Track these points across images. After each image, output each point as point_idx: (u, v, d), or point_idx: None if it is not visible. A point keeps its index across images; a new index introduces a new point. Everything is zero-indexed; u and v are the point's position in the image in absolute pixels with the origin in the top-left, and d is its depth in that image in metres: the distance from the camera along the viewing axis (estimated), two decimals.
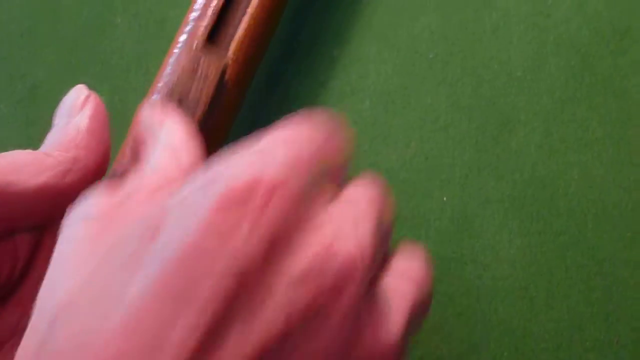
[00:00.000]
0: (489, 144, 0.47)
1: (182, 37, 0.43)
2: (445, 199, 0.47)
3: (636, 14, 0.48)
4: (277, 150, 0.32)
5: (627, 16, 0.48)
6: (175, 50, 0.43)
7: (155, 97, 0.42)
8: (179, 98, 0.40)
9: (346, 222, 0.31)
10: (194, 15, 0.43)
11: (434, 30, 0.50)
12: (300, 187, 0.31)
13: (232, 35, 0.43)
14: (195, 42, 0.42)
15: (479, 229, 0.46)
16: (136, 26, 0.53)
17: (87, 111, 0.37)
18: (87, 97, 0.38)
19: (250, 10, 0.43)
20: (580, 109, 0.47)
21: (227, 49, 0.42)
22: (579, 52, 0.48)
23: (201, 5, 0.43)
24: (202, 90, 0.40)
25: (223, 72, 0.41)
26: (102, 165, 0.37)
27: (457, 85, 0.49)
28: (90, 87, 0.38)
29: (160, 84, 0.42)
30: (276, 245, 0.30)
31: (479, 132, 0.48)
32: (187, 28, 0.43)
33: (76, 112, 0.37)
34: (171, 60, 0.43)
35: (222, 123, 0.42)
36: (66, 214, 0.33)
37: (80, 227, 0.32)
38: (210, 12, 0.43)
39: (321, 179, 0.32)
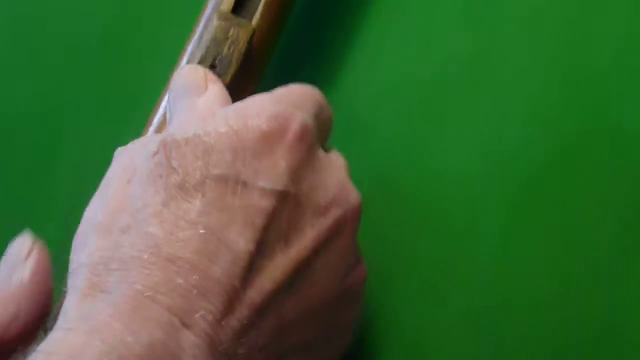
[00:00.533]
0: None
1: (209, 10, 0.48)
2: None
3: None
4: (306, 102, 0.42)
5: None
6: (203, 21, 0.48)
7: (186, 60, 0.47)
8: (212, 60, 0.45)
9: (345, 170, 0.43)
10: None
11: None
12: (315, 132, 0.41)
13: (256, 8, 0.48)
14: (223, 11, 0.46)
15: None
16: None
17: (30, 263, 0.40)
18: (31, 248, 0.40)
19: None
20: None
21: (251, 19, 0.47)
22: None
23: None
24: (234, 53, 0.45)
25: (251, 37, 0.45)
26: (42, 316, 0.40)
27: None
28: None
29: (190, 49, 0.48)
30: (303, 172, 0.39)
31: None
32: (212, 2, 0.48)
33: (20, 263, 0.40)
34: (200, 29, 0.48)
35: (251, 83, 0.47)
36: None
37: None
38: None
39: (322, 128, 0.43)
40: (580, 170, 0.51)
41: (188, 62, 0.46)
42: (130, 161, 0.39)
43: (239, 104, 0.41)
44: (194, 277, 0.35)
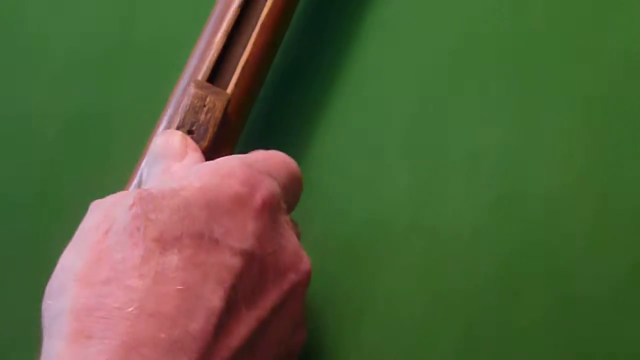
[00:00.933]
0: None
1: (185, 79, 0.51)
2: None
3: None
4: (278, 170, 0.45)
5: None
6: (180, 89, 0.50)
7: (164, 126, 0.49)
8: (190, 126, 0.47)
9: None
10: (194, 62, 0.51)
11: None
12: (280, 200, 0.44)
13: (231, 76, 0.50)
14: (199, 80, 0.49)
15: None
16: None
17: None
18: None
19: (243, 58, 0.50)
20: None
21: (226, 88, 0.49)
22: None
23: (199, 54, 0.51)
24: (210, 120, 0.47)
25: (227, 105, 0.48)
26: None
27: None
28: None
29: (167, 116, 0.50)
30: (267, 236, 0.41)
31: None
32: (189, 72, 0.51)
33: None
34: (177, 96, 0.50)
35: (227, 148, 0.49)
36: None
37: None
38: (207, 61, 0.50)
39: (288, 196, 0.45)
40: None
41: (166, 128, 0.48)
42: (107, 213, 0.40)
43: (213, 162, 0.43)
44: (176, 332, 0.37)
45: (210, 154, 0.47)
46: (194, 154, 0.45)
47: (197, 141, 0.46)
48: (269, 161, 0.45)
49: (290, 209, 0.46)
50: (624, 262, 0.54)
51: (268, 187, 0.42)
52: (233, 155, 0.44)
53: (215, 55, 0.50)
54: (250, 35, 0.50)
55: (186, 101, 0.47)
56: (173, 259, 0.38)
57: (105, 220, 0.40)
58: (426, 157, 0.56)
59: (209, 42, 0.50)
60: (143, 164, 0.48)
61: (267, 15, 0.51)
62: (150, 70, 0.58)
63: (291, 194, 0.46)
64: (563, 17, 0.58)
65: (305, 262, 0.45)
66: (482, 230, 0.55)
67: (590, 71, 0.57)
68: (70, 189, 0.56)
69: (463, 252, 0.55)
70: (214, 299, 0.38)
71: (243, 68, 0.50)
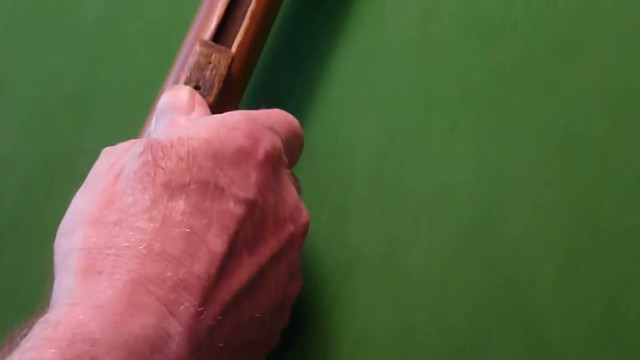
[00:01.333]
0: None
1: (191, 38, 0.53)
2: None
3: None
4: (280, 126, 0.47)
5: None
6: (186, 48, 0.53)
7: (171, 83, 0.51)
8: (196, 82, 0.49)
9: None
10: (199, 21, 0.53)
11: None
12: (282, 154, 0.46)
13: (234, 36, 0.52)
14: (205, 40, 0.51)
15: None
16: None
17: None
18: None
19: (247, 17, 0.53)
20: None
21: (230, 47, 0.52)
22: None
23: (204, 14, 0.53)
24: (216, 76, 0.49)
25: (231, 62, 0.50)
26: None
27: None
28: None
29: (174, 73, 0.52)
30: (269, 186, 0.44)
31: None
32: (195, 31, 0.53)
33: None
34: (183, 55, 0.52)
35: (231, 104, 0.51)
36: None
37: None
38: (215, 18, 0.52)
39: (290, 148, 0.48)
40: None
41: (173, 84, 0.51)
42: (117, 159, 0.43)
43: (220, 116, 0.45)
44: (181, 272, 0.39)
45: (215, 109, 0.49)
46: (201, 108, 0.48)
47: (203, 96, 0.49)
48: (272, 117, 0.47)
49: (291, 164, 0.49)
50: (596, 301, 0.53)
51: (271, 140, 0.45)
52: (238, 111, 0.46)
53: (220, 15, 0.52)
54: None
55: (192, 59, 0.49)
56: (180, 203, 0.41)
57: (116, 165, 0.42)
58: (395, 193, 0.57)
59: (213, 3, 0.52)
60: (152, 118, 0.50)
61: None
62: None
63: (292, 149, 0.48)
64: (533, 54, 0.58)
65: (304, 215, 0.47)
66: (451, 269, 0.55)
67: (561, 108, 0.57)
68: None
69: (432, 292, 0.55)
70: (218, 243, 0.41)
71: (246, 29, 0.52)
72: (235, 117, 0.45)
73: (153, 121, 0.49)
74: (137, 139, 0.45)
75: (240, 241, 0.42)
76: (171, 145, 0.42)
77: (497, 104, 0.57)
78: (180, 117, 0.47)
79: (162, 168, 0.41)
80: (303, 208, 0.47)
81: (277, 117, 0.48)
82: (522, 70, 0.58)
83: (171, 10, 0.61)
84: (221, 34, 0.52)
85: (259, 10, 0.53)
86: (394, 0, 0.60)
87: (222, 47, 0.50)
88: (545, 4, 0.59)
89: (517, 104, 0.57)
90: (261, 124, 0.45)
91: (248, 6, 0.53)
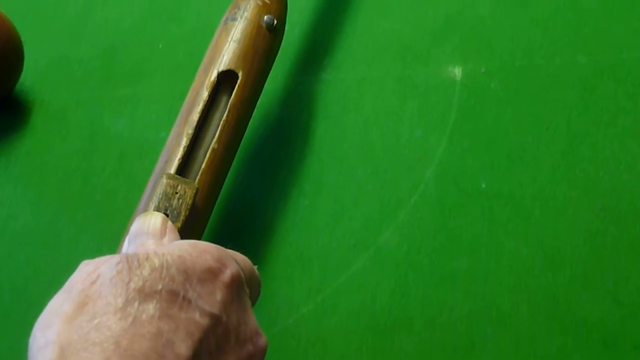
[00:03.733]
0: None
1: (156, 173, 0.57)
2: None
3: None
4: (244, 264, 0.51)
5: None
6: (153, 180, 0.57)
7: (141, 211, 0.55)
8: (164, 210, 0.53)
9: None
10: (164, 157, 0.58)
11: None
12: (244, 282, 0.49)
13: (197, 171, 0.57)
14: (170, 173, 0.55)
15: None
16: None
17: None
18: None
19: (208, 154, 0.57)
20: None
21: (194, 179, 0.56)
22: None
23: (169, 150, 0.58)
24: (182, 205, 0.53)
25: (195, 193, 0.54)
26: None
27: None
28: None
29: (143, 203, 0.56)
30: (232, 307, 0.47)
31: None
32: (161, 166, 0.57)
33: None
34: (150, 187, 0.57)
35: (196, 233, 0.56)
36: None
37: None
38: (178, 155, 0.57)
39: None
40: None
41: (142, 212, 0.54)
42: (95, 268, 0.46)
43: (192, 240, 0.49)
44: None
45: (182, 235, 0.53)
46: (172, 234, 0.51)
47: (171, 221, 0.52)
48: (237, 255, 0.51)
49: (252, 300, 0.52)
50: None
51: (236, 267, 0.49)
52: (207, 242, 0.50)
53: (184, 151, 0.57)
54: (213, 136, 0.58)
55: (159, 189, 0.53)
56: (150, 307, 0.43)
57: (94, 273, 0.46)
58: None
59: (177, 140, 0.57)
60: (125, 241, 0.53)
61: (225, 122, 0.58)
62: None
63: (252, 286, 0.52)
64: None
65: (263, 340, 0.50)
66: None
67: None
68: None
69: None
70: (183, 346, 0.43)
71: (208, 164, 0.57)
72: (206, 244, 0.49)
73: (126, 243, 0.53)
74: (114, 254, 0.48)
75: (204, 350, 0.45)
76: (147, 257, 0.45)
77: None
78: (152, 241, 0.51)
79: (137, 275, 0.44)
80: (262, 334, 0.50)
81: (240, 256, 0.52)
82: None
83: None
84: (184, 170, 0.57)
85: (220, 149, 0.57)
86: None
87: (187, 180, 0.55)
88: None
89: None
90: (229, 254, 0.49)
91: (209, 145, 0.57)
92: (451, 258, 0.62)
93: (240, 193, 0.65)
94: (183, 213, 0.53)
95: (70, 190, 0.67)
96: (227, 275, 0.47)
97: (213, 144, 0.57)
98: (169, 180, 0.54)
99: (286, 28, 0.65)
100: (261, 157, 0.67)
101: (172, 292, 0.44)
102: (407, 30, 0.73)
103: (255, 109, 0.61)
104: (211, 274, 0.47)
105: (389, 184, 0.65)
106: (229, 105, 0.58)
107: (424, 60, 0.71)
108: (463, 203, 0.64)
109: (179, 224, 0.53)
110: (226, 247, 0.51)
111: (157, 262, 0.45)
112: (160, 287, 0.44)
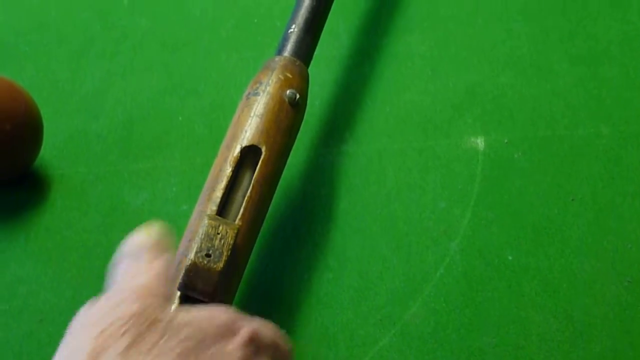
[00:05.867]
0: None
1: (196, 215, 0.57)
2: None
3: None
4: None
5: None
6: (195, 221, 0.56)
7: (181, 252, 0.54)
8: (207, 251, 0.52)
9: None
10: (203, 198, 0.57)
11: None
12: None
13: (238, 210, 0.57)
14: (211, 214, 0.55)
15: None
16: None
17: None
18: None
19: (247, 197, 0.57)
20: None
21: (234, 220, 0.56)
22: None
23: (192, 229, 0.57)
24: (224, 245, 0.52)
25: (237, 233, 0.53)
26: None
27: None
28: None
29: (183, 245, 0.55)
30: None
31: None
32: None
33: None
34: (192, 227, 0.56)
35: (238, 270, 0.55)
36: None
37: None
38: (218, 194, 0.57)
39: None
40: None
41: (182, 254, 0.54)
42: (101, 332, 0.43)
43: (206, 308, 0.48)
44: None
45: (224, 276, 0.52)
46: (161, 259, 0.50)
47: (213, 263, 0.51)
48: (260, 321, 0.49)
49: None
50: None
51: (253, 328, 0.47)
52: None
53: (223, 192, 0.57)
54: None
55: (202, 230, 0.53)
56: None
57: (99, 339, 0.43)
58: None
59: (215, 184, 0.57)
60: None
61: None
62: None
63: (278, 354, 0.50)
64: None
65: None
66: None
67: None
68: None
69: None
70: None
71: (247, 204, 0.57)
72: (226, 311, 0.48)
73: (117, 259, 0.51)
74: (119, 304, 0.46)
75: None
76: (155, 327, 0.44)
77: None
78: (141, 265, 0.49)
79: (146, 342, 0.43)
80: None
81: (264, 322, 0.49)
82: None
83: None
84: (224, 210, 0.57)
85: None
86: None
87: (227, 220, 0.55)
88: None
89: None
90: (244, 316, 0.48)
91: (247, 188, 0.57)
92: (479, 333, 0.61)
93: (263, 268, 0.65)
94: (225, 253, 0.52)
95: (91, 267, 0.66)
96: (244, 332, 0.46)
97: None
98: (210, 221, 0.53)
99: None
100: (284, 232, 0.67)
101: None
102: (427, 101, 0.73)
103: None
104: (227, 330, 0.45)
105: (414, 257, 0.65)
106: (252, 182, 0.58)
107: (446, 132, 0.71)
108: (490, 276, 0.63)
109: (221, 264, 0.52)
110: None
111: (165, 331, 0.44)
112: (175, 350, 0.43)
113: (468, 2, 0.80)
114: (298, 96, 0.62)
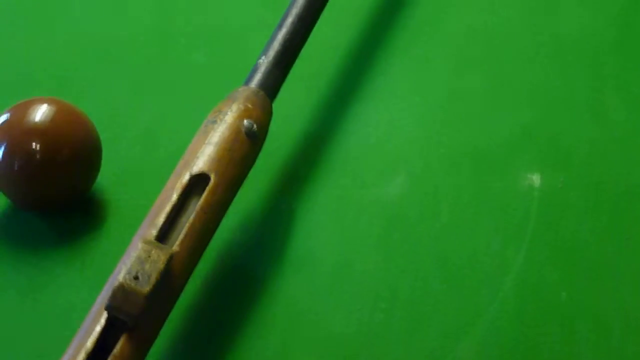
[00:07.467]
0: None
1: (136, 238, 0.57)
2: None
3: None
4: None
5: None
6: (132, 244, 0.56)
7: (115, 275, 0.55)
8: (135, 273, 0.52)
9: None
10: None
11: None
12: None
13: (176, 237, 0.57)
14: (147, 238, 0.55)
15: None
16: None
17: None
18: None
19: (188, 223, 0.57)
20: None
21: (172, 245, 0.56)
22: None
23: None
24: (153, 269, 0.53)
25: (169, 258, 0.54)
26: None
27: None
28: None
29: (119, 266, 0.55)
30: None
31: None
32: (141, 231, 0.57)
33: None
34: (128, 250, 0.56)
35: (172, 295, 0.56)
36: None
37: None
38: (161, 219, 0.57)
39: None
40: None
41: (116, 275, 0.54)
42: None
43: None
44: None
45: (152, 300, 0.52)
46: None
47: (141, 285, 0.52)
48: None
49: None
50: None
51: None
52: None
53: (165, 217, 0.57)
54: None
55: (134, 253, 0.53)
56: None
57: None
58: None
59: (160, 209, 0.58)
60: None
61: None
62: None
63: None
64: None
65: None
66: None
67: None
68: None
69: None
70: None
71: (187, 230, 0.57)
72: None
73: None
74: None
75: None
76: None
77: None
78: None
79: None
80: None
81: None
82: None
83: None
84: (164, 235, 0.57)
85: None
86: None
87: (162, 245, 0.55)
88: None
89: None
90: None
91: (190, 214, 0.58)
92: None
93: (310, 304, 0.65)
94: (154, 276, 0.52)
95: None
96: None
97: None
98: (143, 245, 0.54)
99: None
100: (333, 264, 0.67)
101: None
102: (482, 139, 0.73)
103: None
104: None
105: (466, 292, 0.64)
106: (196, 209, 0.58)
107: (501, 170, 0.71)
108: (543, 314, 0.63)
109: (148, 288, 0.52)
110: None
111: None
112: None
113: (526, 44, 0.82)
114: (255, 127, 0.62)
